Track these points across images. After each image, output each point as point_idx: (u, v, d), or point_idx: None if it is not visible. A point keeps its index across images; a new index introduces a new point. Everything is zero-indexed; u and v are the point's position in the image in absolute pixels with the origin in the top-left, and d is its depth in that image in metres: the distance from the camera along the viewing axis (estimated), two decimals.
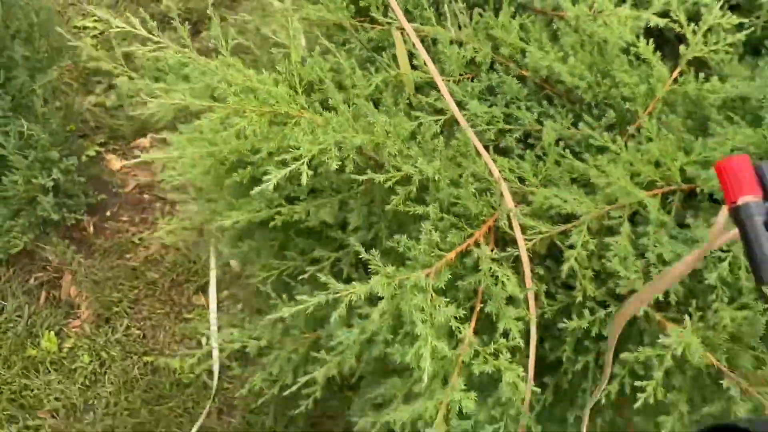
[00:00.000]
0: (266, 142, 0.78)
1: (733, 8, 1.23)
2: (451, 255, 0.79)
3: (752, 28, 1.14)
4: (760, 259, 0.53)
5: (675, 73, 1.09)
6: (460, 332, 0.76)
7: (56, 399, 1.87)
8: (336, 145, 0.74)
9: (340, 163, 0.74)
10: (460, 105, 1.01)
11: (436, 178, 0.81)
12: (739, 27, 1.14)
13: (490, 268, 0.81)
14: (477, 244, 0.81)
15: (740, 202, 0.55)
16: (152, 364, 1.95)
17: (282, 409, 1.84)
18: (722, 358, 0.80)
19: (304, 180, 0.69)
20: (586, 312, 0.85)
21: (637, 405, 0.76)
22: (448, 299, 0.75)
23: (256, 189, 0.71)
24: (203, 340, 2.00)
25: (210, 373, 1.93)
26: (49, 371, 1.91)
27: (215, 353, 1.94)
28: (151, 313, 2.06)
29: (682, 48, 1.08)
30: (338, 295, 0.69)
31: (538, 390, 0.91)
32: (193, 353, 1.95)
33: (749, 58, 1.22)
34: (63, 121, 2.06)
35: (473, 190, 0.81)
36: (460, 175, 0.86)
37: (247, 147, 0.82)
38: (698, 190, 0.93)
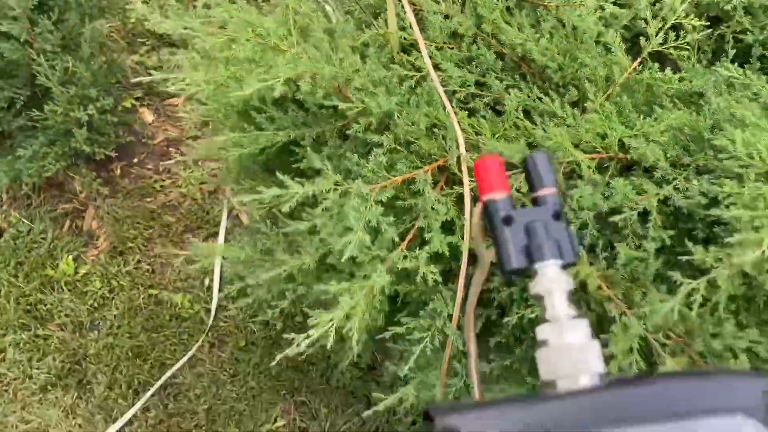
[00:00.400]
0: (256, 68, 0.93)
1: (712, 19, 1.35)
2: (398, 179, 0.93)
3: (710, 30, 1.26)
4: (502, 249, 0.58)
5: (635, 63, 1.22)
6: (394, 242, 0.91)
7: (66, 315, 2.05)
8: (311, 75, 0.89)
9: (311, 86, 0.89)
10: (438, 67, 1.15)
11: (396, 116, 0.96)
12: (711, 32, 1.26)
13: (432, 203, 0.94)
14: (425, 179, 0.95)
15: (486, 198, 0.60)
16: (156, 296, 2.12)
17: (268, 349, 2.00)
18: (619, 293, 0.92)
19: (277, 93, 0.84)
20: None
21: (530, 315, 0.90)
22: (385, 209, 0.89)
23: (243, 92, 0.86)
24: (206, 281, 2.16)
25: (207, 311, 2.10)
26: (63, 290, 2.09)
27: (215, 292, 2.11)
28: (162, 252, 2.23)
29: (642, 41, 1.21)
30: (290, 191, 0.84)
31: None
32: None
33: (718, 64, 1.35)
34: (106, 70, 2.25)
35: (426, 126, 0.95)
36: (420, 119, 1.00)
37: (242, 72, 0.98)
38: (629, 157, 1.06)
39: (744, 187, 0.79)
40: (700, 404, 0.45)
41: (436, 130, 1.04)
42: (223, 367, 1.99)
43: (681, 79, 1.17)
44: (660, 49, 1.23)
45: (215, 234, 2.29)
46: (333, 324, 0.82)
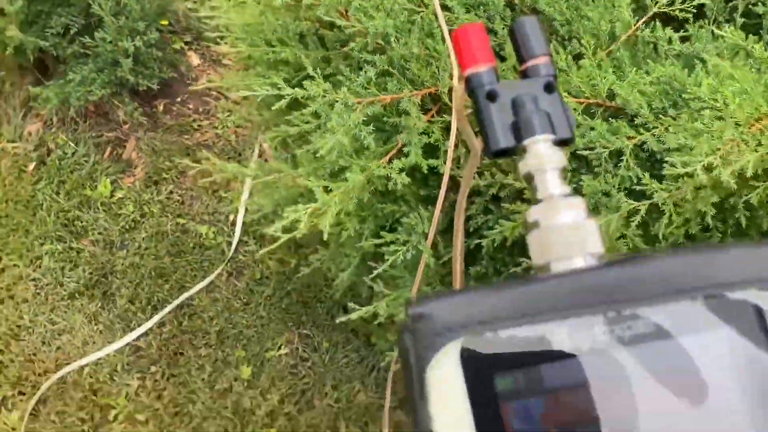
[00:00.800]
0: None
1: None
2: (387, 98, 1.01)
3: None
4: (487, 128, 0.52)
5: (640, 23, 1.26)
6: (377, 153, 0.98)
7: (99, 233, 2.20)
8: None
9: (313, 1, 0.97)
10: (446, 7, 1.21)
11: (391, 40, 1.03)
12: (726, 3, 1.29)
13: (415, 121, 1.02)
14: (410, 98, 1.03)
15: (469, 72, 0.54)
16: (183, 225, 2.25)
17: (281, 284, 2.10)
18: None
19: (278, 2, 0.93)
20: (488, 174, 1.05)
21: (494, 234, 0.96)
22: (371, 124, 0.97)
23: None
24: (231, 216, 2.28)
25: (229, 243, 2.22)
26: (99, 210, 2.24)
27: (239, 226, 2.22)
28: (193, 185, 2.36)
29: (648, 1, 1.25)
30: (281, 92, 0.92)
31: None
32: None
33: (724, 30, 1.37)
34: (156, 9, 2.37)
35: (417, 51, 1.02)
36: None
37: None
38: (616, 104, 1.11)
39: (697, 121, 0.83)
40: (708, 279, 0.41)
41: (432, 60, 1.10)
42: (237, 296, 2.10)
43: (683, 39, 1.20)
44: (667, 10, 1.26)
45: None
46: (307, 212, 0.90)
